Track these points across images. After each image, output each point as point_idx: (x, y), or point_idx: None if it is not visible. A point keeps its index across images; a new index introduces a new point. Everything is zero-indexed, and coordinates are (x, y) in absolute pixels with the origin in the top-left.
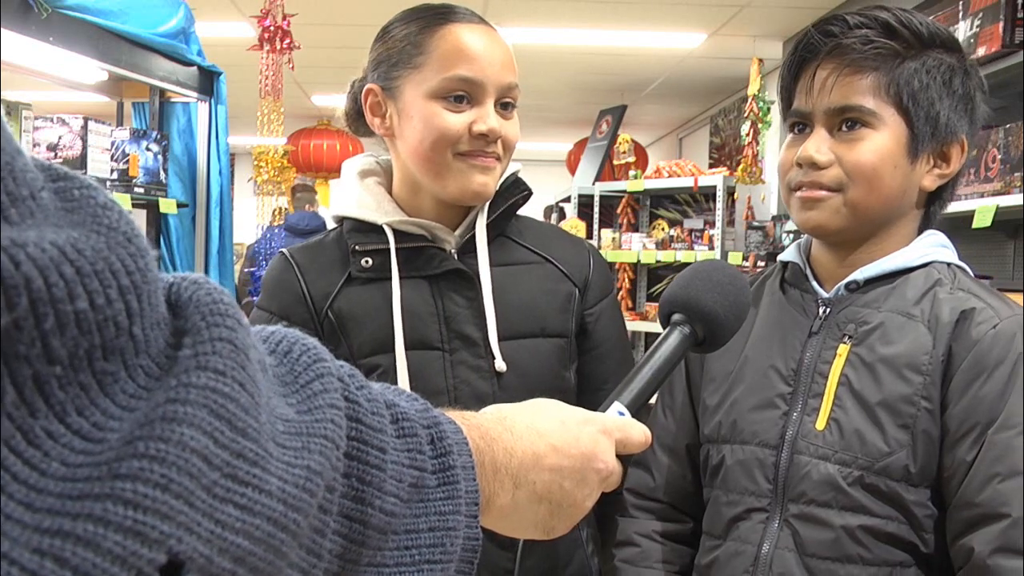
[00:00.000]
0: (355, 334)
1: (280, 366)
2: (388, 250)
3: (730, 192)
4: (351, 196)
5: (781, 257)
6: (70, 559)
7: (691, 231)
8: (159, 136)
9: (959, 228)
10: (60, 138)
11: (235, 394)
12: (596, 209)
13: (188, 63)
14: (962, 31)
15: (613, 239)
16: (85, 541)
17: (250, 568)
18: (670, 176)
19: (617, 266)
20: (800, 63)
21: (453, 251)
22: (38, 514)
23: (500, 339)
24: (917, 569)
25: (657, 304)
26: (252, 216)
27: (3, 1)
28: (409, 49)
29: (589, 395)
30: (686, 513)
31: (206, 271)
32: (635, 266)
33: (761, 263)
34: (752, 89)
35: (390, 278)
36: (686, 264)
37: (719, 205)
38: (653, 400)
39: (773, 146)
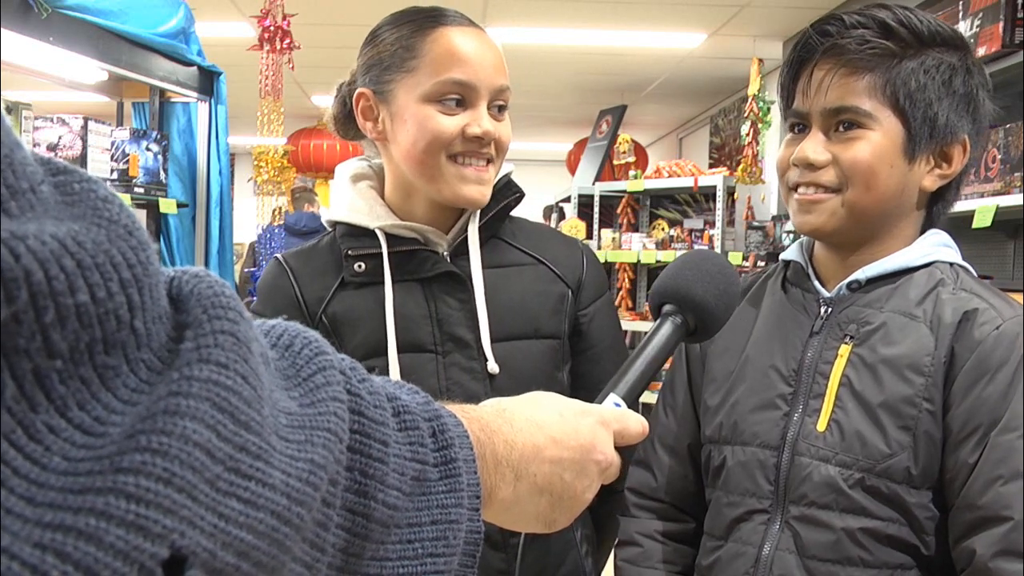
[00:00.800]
0: (348, 338)
1: (282, 359)
2: (380, 254)
3: (730, 192)
4: (343, 200)
5: (783, 256)
6: (72, 553)
7: (691, 231)
8: (159, 136)
9: (959, 228)
10: (60, 138)
11: (237, 387)
12: (596, 209)
13: (188, 63)
14: (962, 31)
15: (613, 239)
16: (87, 535)
17: (254, 562)
18: (670, 176)
19: (617, 266)
20: (799, 63)
21: (446, 254)
22: (39, 508)
23: (493, 341)
24: (918, 572)
25: None
26: (252, 216)
27: (3, 1)
28: (401, 53)
29: (584, 395)
30: (688, 513)
31: None
32: (635, 266)
33: (761, 263)
34: (752, 89)
35: (383, 282)
36: None
37: (719, 205)
38: (653, 399)
39: (773, 146)
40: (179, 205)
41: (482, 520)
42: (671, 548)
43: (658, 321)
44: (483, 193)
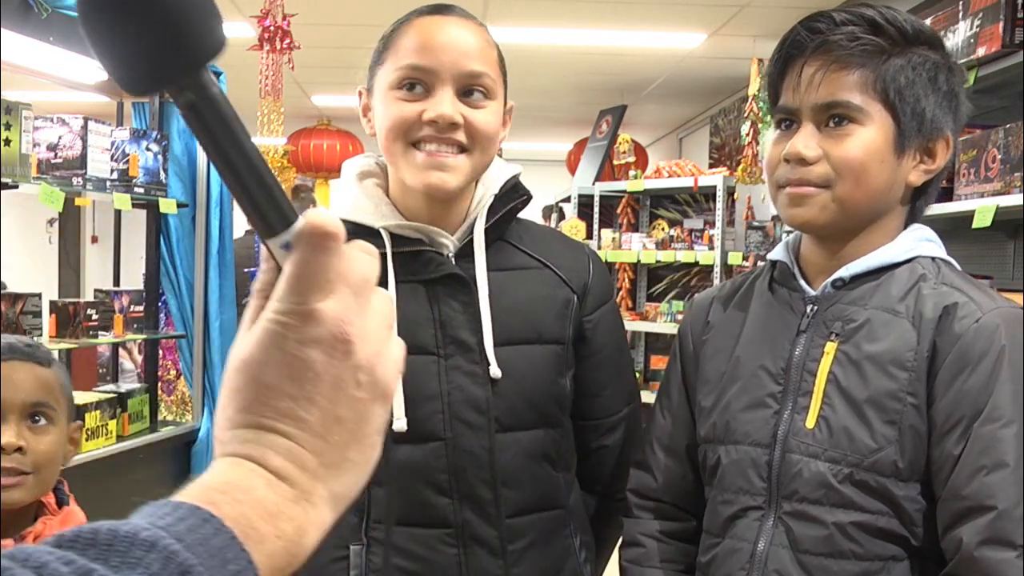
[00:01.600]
0: None
1: None
2: (384, 254)
3: (730, 192)
4: (348, 199)
5: (770, 256)
6: None
7: (691, 231)
8: (159, 136)
9: (959, 228)
10: (60, 138)
11: None
12: (596, 209)
13: None
14: (962, 31)
15: (613, 239)
16: None
17: None
18: (670, 176)
19: (617, 266)
20: (787, 59)
21: (451, 255)
22: None
23: (496, 345)
24: (909, 562)
25: (657, 304)
26: None
27: (3, 1)
28: (380, 46)
29: (587, 401)
30: (689, 512)
31: (206, 271)
32: (635, 266)
33: (761, 263)
34: (752, 89)
35: (386, 283)
36: (686, 264)
37: (719, 205)
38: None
39: None
40: (179, 205)
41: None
42: (673, 547)
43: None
44: (443, 179)
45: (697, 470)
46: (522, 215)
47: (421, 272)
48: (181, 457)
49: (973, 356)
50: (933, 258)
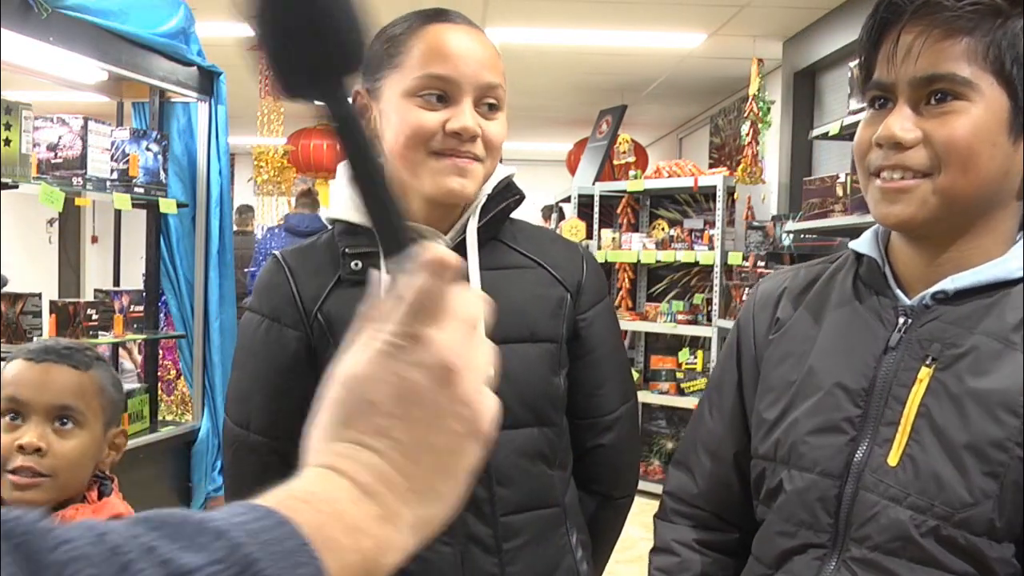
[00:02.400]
0: (344, 337)
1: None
2: (377, 253)
3: (730, 192)
4: (343, 198)
5: (854, 245)
6: None
7: (691, 231)
8: (159, 136)
9: None
10: (60, 138)
11: None
12: (596, 209)
13: (188, 63)
14: None
15: (613, 239)
16: None
17: None
18: (670, 176)
19: (617, 266)
20: (881, 26)
21: None
22: None
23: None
24: None
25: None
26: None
27: (3, 1)
28: (390, 50)
29: (583, 400)
30: (730, 523)
31: (206, 271)
32: (635, 266)
33: (761, 263)
34: (752, 89)
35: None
36: (686, 264)
37: (719, 205)
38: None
39: (773, 146)
40: (179, 205)
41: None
42: (710, 560)
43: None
44: (464, 185)
45: (745, 481)
46: (518, 215)
47: None
48: (181, 457)
49: None
50: None
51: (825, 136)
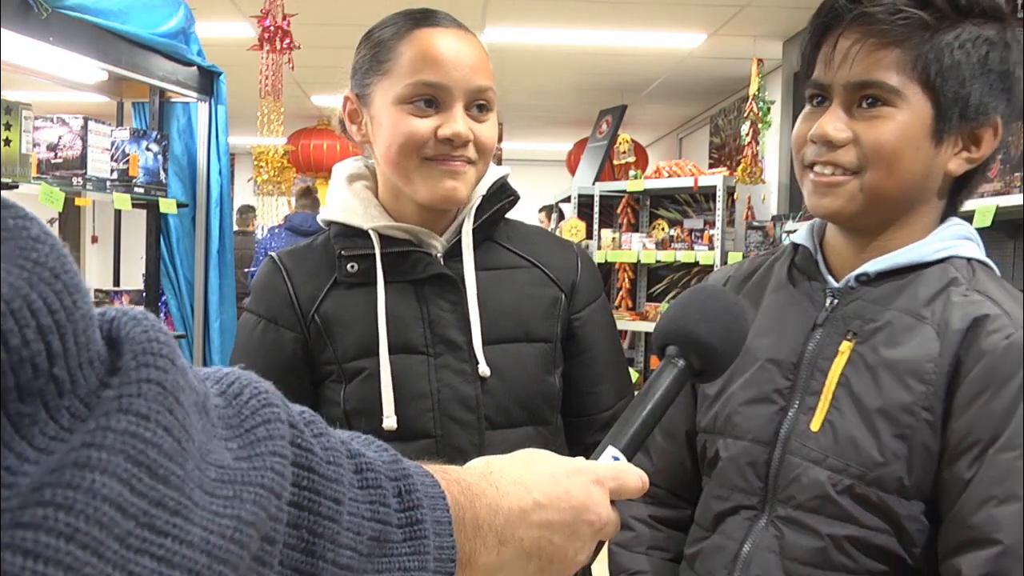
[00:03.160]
0: (340, 338)
1: (228, 407)
2: (374, 255)
3: (730, 192)
4: (338, 200)
5: (792, 238)
6: None
7: (691, 231)
8: (159, 136)
9: None
10: (60, 138)
11: (157, 440)
12: (596, 209)
13: (188, 63)
14: None
15: (613, 239)
16: None
17: None
18: (670, 176)
19: (617, 266)
20: (823, 30)
21: (439, 255)
22: None
23: (484, 343)
24: None
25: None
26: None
27: (3, 1)
28: (379, 55)
29: (579, 398)
30: (684, 499)
31: (206, 271)
32: (635, 266)
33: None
34: (752, 89)
35: (375, 283)
36: (686, 264)
37: (719, 205)
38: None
39: (773, 146)
40: (179, 205)
41: None
42: (664, 534)
43: (661, 364)
44: (457, 188)
45: (696, 458)
46: (516, 216)
47: (410, 272)
48: None
49: (999, 376)
50: (969, 259)
51: None
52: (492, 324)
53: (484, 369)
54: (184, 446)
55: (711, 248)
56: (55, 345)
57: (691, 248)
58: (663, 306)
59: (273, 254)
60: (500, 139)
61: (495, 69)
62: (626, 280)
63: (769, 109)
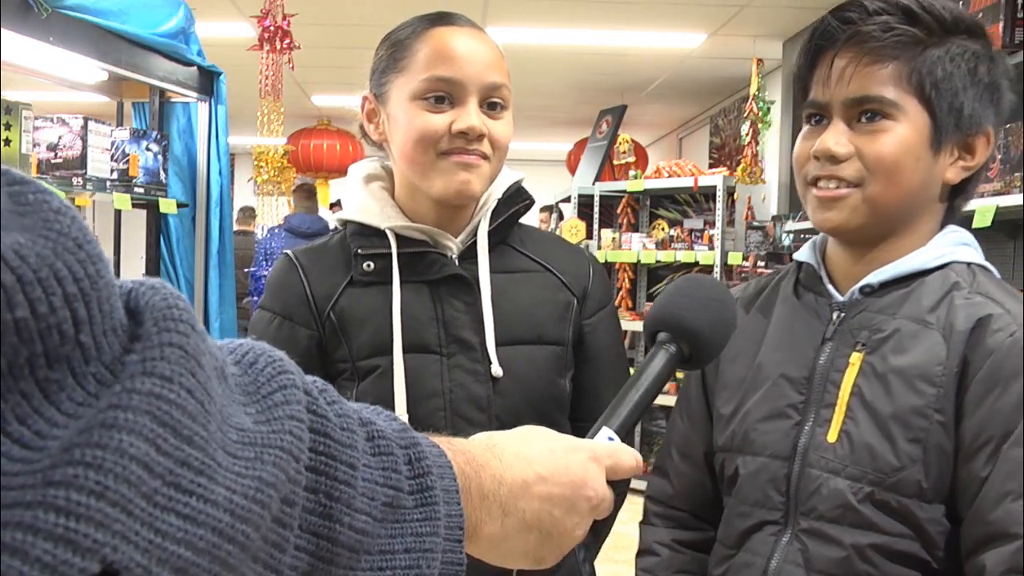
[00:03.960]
0: (355, 335)
1: (244, 376)
2: (390, 254)
3: (730, 192)
4: (355, 200)
5: (796, 256)
6: None
7: (691, 231)
8: (159, 136)
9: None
10: (60, 138)
11: (181, 401)
12: (596, 209)
13: (188, 63)
14: None
15: (613, 239)
16: (13, 549)
17: None
18: (670, 176)
19: (617, 266)
20: (816, 51)
21: (454, 257)
22: None
23: (497, 345)
24: None
25: None
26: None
27: (3, 1)
28: (395, 54)
29: (586, 403)
30: (707, 521)
31: (206, 271)
32: (635, 266)
33: (761, 263)
34: (752, 89)
35: (391, 282)
36: (686, 264)
37: (719, 205)
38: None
39: (773, 146)
40: (179, 205)
41: (465, 553)
42: (688, 557)
43: (652, 350)
44: (471, 182)
45: (716, 479)
46: (524, 222)
47: (425, 273)
48: None
49: (1006, 373)
50: (968, 264)
51: None
52: (506, 326)
53: (497, 370)
54: (207, 408)
55: (711, 248)
56: (81, 312)
57: (691, 248)
58: None
59: (289, 252)
60: None
61: None
62: (626, 280)
63: (769, 109)
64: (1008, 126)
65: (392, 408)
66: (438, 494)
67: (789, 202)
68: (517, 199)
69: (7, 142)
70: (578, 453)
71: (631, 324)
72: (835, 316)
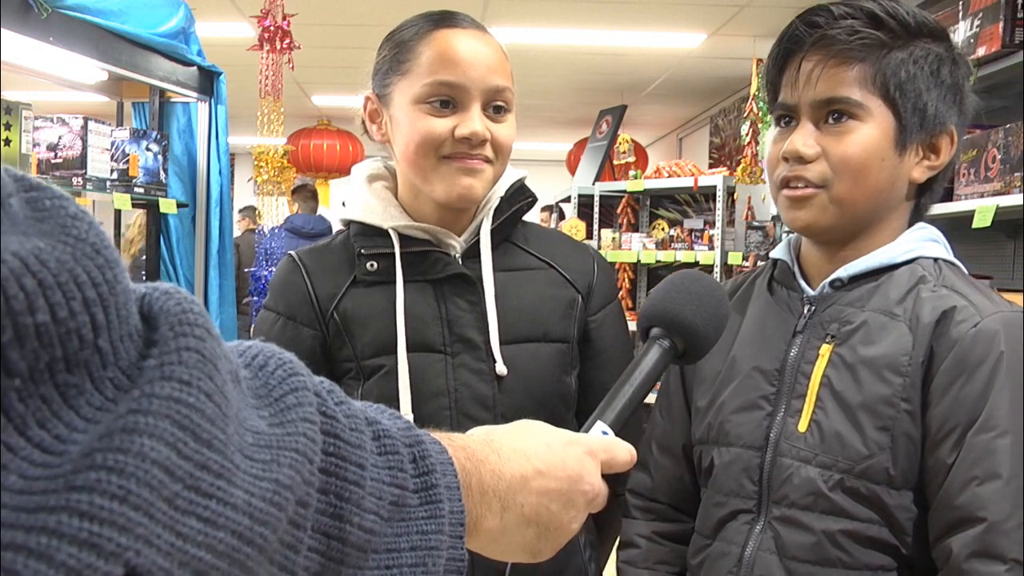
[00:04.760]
0: (359, 335)
1: (255, 379)
2: (393, 254)
3: (730, 192)
4: (358, 200)
5: (772, 254)
6: (22, 572)
7: (691, 231)
8: (159, 136)
9: (959, 228)
10: (60, 138)
11: (200, 405)
12: (596, 209)
13: (188, 63)
14: (962, 31)
15: (613, 239)
16: (38, 554)
17: None
18: (670, 176)
19: (617, 266)
20: (785, 55)
21: (458, 256)
22: None
23: (502, 343)
24: (899, 572)
25: None
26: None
27: (3, 1)
28: (399, 55)
29: (592, 400)
30: (686, 513)
31: (206, 271)
32: (635, 266)
33: (761, 263)
34: (752, 89)
35: (395, 281)
36: (686, 264)
37: (719, 205)
38: (651, 399)
39: None
40: (179, 205)
41: (466, 548)
42: (668, 549)
43: (645, 345)
44: (473, 187)
45: (694, 471)
46: (527, 219)
47: (429, 272)
48: None
49: (970, 362)
50: (935, 259)
51: None
52: (510, 324)
53: (501, 368)
54: (224, 411)
55: (711, 248)
56: (99, 317)
57: (691, 248)
58: None
59: (292, 252)
60: None
61: None
62: (626, 280)
63: (768, 108)
64: (1008, 126)
65: (397, 408)
66: (442, 492)
67: None
68: (520, 197)
69: (7, 142)
70: (574, 447)
71: (631, 324)
72: (806, 309)
